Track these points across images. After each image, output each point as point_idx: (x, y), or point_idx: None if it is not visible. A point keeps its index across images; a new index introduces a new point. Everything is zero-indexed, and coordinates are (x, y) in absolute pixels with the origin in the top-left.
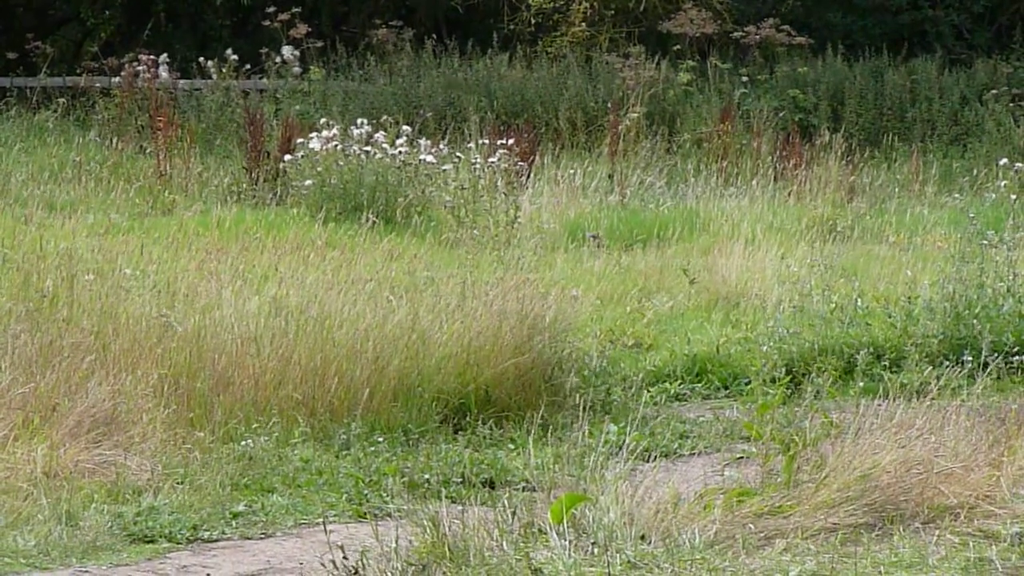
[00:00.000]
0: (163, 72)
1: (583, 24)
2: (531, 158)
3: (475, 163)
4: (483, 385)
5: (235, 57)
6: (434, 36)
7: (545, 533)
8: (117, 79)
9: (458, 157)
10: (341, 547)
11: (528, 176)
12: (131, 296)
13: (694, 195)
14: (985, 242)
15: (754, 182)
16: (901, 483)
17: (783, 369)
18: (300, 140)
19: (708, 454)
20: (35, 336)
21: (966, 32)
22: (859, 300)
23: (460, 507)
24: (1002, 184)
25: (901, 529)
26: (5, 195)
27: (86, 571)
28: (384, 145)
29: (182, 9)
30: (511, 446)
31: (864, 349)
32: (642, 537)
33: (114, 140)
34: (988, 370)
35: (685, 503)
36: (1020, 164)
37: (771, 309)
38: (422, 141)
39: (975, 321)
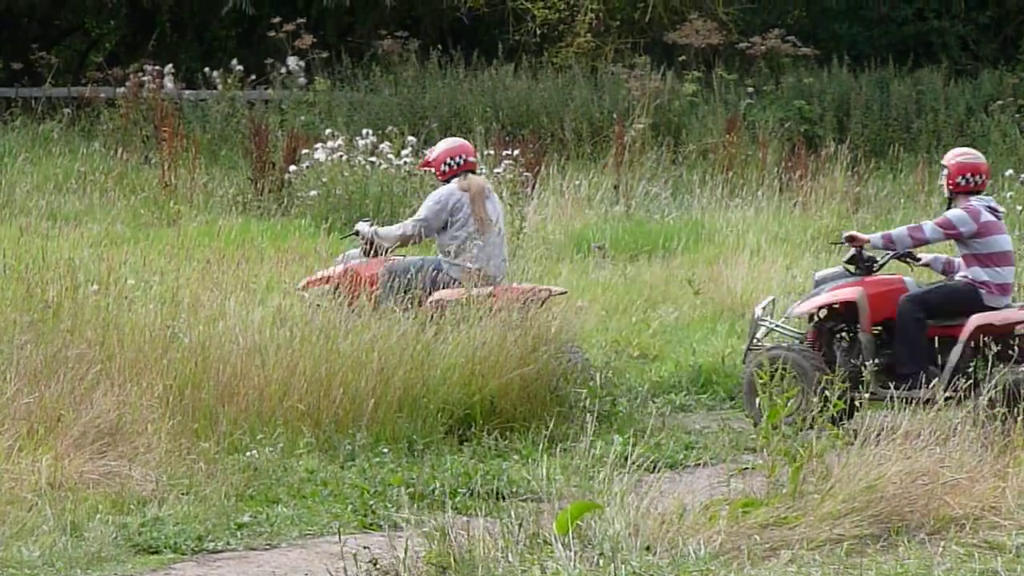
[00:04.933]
0: (168, 82)
1: (588, 35)
2: (536, 169)
3: (481, 174)
4: (488, 396)
5: (240, 68)
6: (439, 47)
7: (551, 544)
8: (122, 89)
9: None
10: (354, 555)
11: (533, 186)
12: (135, 307)
13: (699, 206)
14: None
15: (759, 193)
16: (907, 494)
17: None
18: (305, 151)
19: (713, 465)
20: (39, 347)
21: (972, 43)
22: None
23: (466, 518)
24: (1008, 195)
25: (907, 540)
26: (10, 205)
27: None
28: (389, 156)
29: (187, 19)
30: (516, 457)
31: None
32: (647, 548)
33: (119, 151)
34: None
35: (690, 514)
36: None
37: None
38: (427, 152)
39: None
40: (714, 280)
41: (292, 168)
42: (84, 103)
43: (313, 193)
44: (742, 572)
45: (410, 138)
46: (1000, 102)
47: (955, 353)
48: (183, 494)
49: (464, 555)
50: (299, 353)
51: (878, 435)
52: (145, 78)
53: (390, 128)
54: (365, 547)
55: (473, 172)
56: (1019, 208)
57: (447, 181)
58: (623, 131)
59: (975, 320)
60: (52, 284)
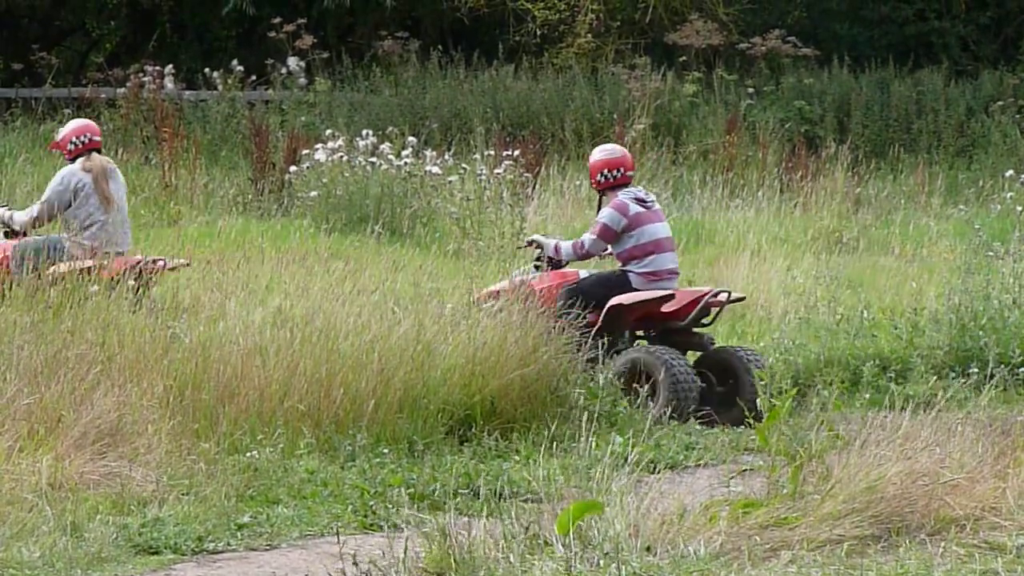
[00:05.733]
0: (168, 83)
1: (589, 35)
2: (537, 169)
3: (481, 174)
4: (489, 396)
5: (241, 68)
6: (440, 47)
7: (551, 545)
8: (123, 90)
9: (464, 168)
10: (353, 555)
11: (534, 187)
12: (135, 307)
13: (700, 206)
14: (991, 254)
15: (760, 193)
16: (907, 495)
17: (789, 380)
18: (305, 151)
19: (714, 466)
20: (40, 347)
21: (972, 44)
22: (865, 312)
23: (466, 519)
24: (1008, 196)
25: (907, 541)
26: (10, 206)
27: None
28: (390, 156)
29: (188, 20)
30: (517, 458)
31: (870, 361)
32: (647, 548)
33: (119, 151)
34: (994, 382)
35: (690, 515)
36: None
37: (777, 321)
38: (427, 152)
39: (981, 333)
40: (714, 281)
41: (292, 169)
42: (84, 103)
43: (313, 194)
44: (742, 573)
45: (410, 139)
46: (1000, 103)
47: (588, 338)
48: (183, 494)
49: (464, 556)
50: (299, 353)
51: (878, 436)
52: (145, 79)
53: (390, 129)
54: (370, 559)
55: (99, 152)
56: (1019, 208)
57: (73, 160)
58: (623, 132)
59: (608, 304)
60: (53, 285)
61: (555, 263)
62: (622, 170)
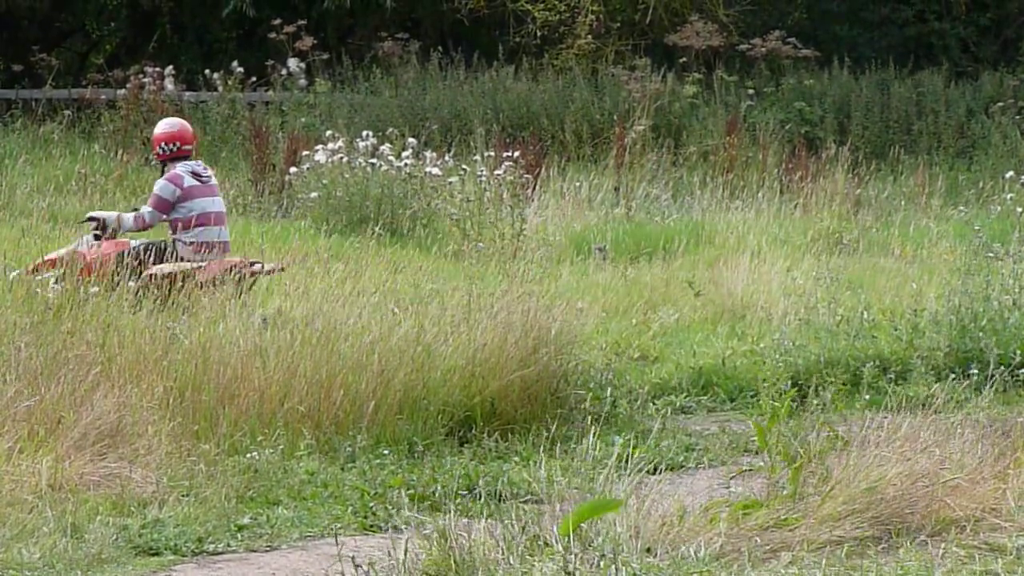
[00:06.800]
0: (169, 84)
1: (589, 36)
2: (537, 170)
3: (481, 175)
4: (489, 398)
5: (241, 69)
6: (440, 48)
7: (551, 546)
8: (122, 91)
9: (464, 169)
10: (352, 559)
11: (534, 188)
12: (136, 308)
13: (700, 208)
14: (991, 255)
15: (760, 195)
16: (907, 496)
17: (789, 382)
18: (306, 152)
19: (714, 467)
20: (40, 348)
21: (972, 45)
22: (865, 313)
23: (466, 520)
24: (1008, 197)
25: (907, 542)
26: (10, 207)
27: None
28: (390, 157)
29: (188, 21)
30: (517, 459)
31: (870, 362)
32: (648, 550)
33: (119, 152)
34: (994, 383)
35: (691, 516)
36: None
37: (777, 322)
38: (428, 153)
39: (981, 334)
40: (714, 282)
41: (292, 170)
42: (85, 105)
43: (314, 195)
44: (742, 574)
45: (410, 140)
46: (1000, 104)
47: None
48: (183, 496)
49: (464, 557)
50: (299, 355)
51: (878, 437)
52: (145, 80)
53: (390, 130)
54: (369, 560)
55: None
56: (1020, 210)
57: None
58: (623, 133)
59: (144, 273)
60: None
61: (112, 231)
62: (179, 143)
